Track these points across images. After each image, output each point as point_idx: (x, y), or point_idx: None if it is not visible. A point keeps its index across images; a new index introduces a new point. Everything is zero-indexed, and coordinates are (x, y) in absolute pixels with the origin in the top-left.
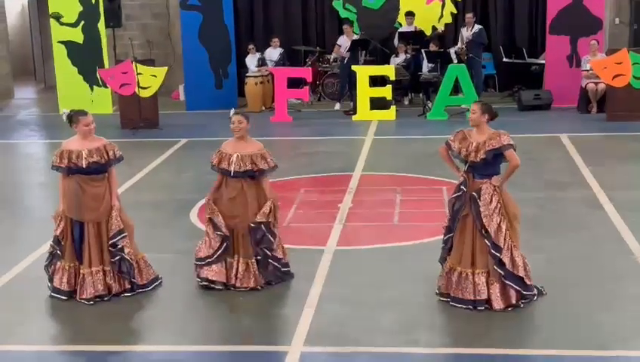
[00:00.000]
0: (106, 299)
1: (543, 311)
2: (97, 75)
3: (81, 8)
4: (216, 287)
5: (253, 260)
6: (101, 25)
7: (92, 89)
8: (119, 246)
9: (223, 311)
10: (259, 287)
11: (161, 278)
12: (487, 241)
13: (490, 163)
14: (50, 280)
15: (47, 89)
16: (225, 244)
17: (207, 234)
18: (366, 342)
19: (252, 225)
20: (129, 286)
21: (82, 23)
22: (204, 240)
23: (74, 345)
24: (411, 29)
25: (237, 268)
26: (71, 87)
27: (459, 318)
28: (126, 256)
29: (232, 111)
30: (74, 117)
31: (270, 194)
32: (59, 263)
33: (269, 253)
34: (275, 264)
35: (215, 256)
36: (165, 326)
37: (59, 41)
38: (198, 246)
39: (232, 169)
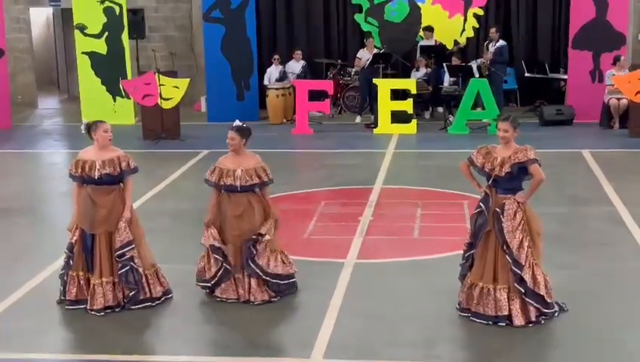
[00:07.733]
0: (117, 310)
1: (565, 328)
2: (120, 85)
3: (105, 20)
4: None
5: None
6: (125, 36)
7: (115, 100)
8: (127, 257)
9: (241, 322)
10: (273, 300)
11: (171, 293)
12: (508, 258)
13: (515, 177)
14: (63, 290)
15: (71, 99)
16: (223, 268)
17: (206, 258)
18: (386, 355)
19: (253, 236)
20: (130, 294)
21: (106, 34)
22: (203, 264)
23: (94, 355)
24: (431, 42)
25: (249, 283)
26: (94, 98)
27: (480, 333)
28: (135, 266)
29: (235, 123)
30: (93, 125)
31: (274, 208)
32: (70, 272)
33: (256, 268)
34: (269, 279)
35: (216, 279)
36: (184, 337)
37: (83, 52)
38: (199, 265)
39: (238, 184)
